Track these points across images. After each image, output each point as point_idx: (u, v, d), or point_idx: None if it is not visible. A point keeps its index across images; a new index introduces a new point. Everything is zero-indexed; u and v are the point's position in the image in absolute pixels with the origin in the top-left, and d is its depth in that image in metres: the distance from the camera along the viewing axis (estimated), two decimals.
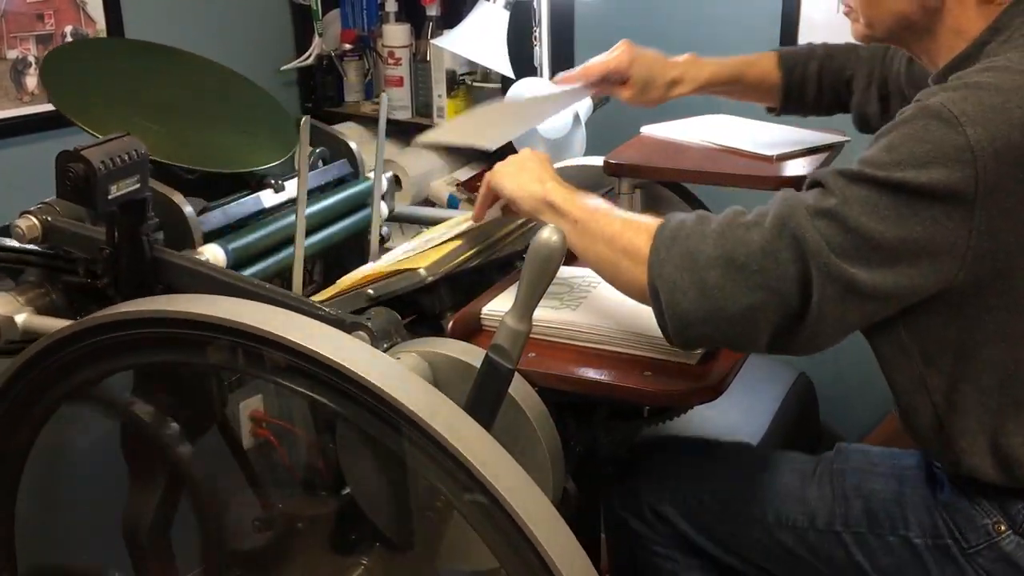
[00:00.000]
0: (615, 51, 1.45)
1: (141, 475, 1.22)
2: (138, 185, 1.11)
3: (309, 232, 1.35)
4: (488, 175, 1.24)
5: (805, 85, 1.48)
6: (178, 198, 1.25)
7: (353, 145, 1.55)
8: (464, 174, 2.48)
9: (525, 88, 1.68)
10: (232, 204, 1.37)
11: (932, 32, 1.11)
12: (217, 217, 1.33)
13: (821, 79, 1.47)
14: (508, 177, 1.20)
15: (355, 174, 1.55)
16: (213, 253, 1.25)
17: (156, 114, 1.41)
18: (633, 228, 1.06)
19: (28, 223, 1.22)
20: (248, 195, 1.40)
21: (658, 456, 1.38)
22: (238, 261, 1.29)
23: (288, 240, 1.34)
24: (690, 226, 1.02)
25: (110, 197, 1.08)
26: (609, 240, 1.07)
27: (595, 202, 1.13)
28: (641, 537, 1.35)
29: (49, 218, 1.22)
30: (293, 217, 1.33)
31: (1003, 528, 1.12)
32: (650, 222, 1.06)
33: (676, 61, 1.47)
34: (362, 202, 1.50)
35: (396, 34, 2.36)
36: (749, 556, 1.30)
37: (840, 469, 1.26)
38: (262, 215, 1.39)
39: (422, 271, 1.19)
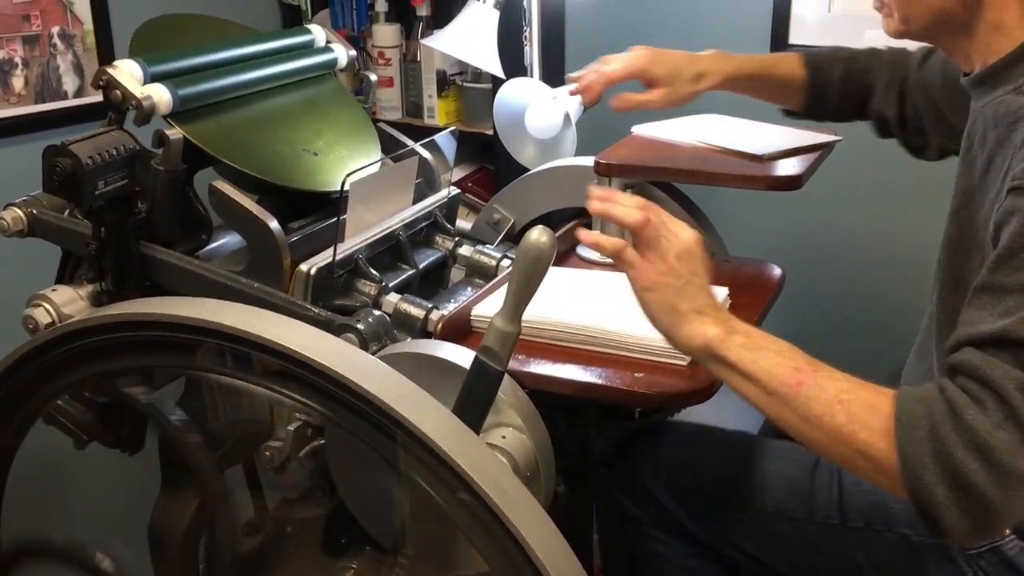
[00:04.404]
0: (634, 52, 1.42)
1: None
2: (126, 180, 1.10)
3: None
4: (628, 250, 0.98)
5: (828, 89, 1.43)
6: (263, 213, 1.18)
7: (426, 154, 1.47)
8: (455, 174, 2.46)
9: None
10: (316, 230, 1.29)
11: (970, 29, 1.07)
12: (300, 244, 1.25)
13: (844, 84, 1.42)
14: (658, 307, 0.98)
15: (428, 184, 1.48)
16: (159, 94, 1.17)
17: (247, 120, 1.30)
18: (861, 423, 0.89)
19: (13, 215, 1.20)
20: (332, 219, 1.30)
21: (657, 439, 1.37)
22: (184, 105, 1.20)
23: (241, 96, 1.28)
24: (941, 427, 0.85)
25: (97, 192, 1.07)
26: (834, 435, 0.90)
27: (779, 356, 0.94)
28: (634, 519, 1.34)
29: (34, 211, 1.21)
30: (249, 74, 1.29)
31: (1007, 532, 1.09)
32: (878, 422, 0.88)
33: (700, 55, 1.44)
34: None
35: (386, 34, 2.35)
36: (742, 544, 1.28)
37: None
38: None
39: None
